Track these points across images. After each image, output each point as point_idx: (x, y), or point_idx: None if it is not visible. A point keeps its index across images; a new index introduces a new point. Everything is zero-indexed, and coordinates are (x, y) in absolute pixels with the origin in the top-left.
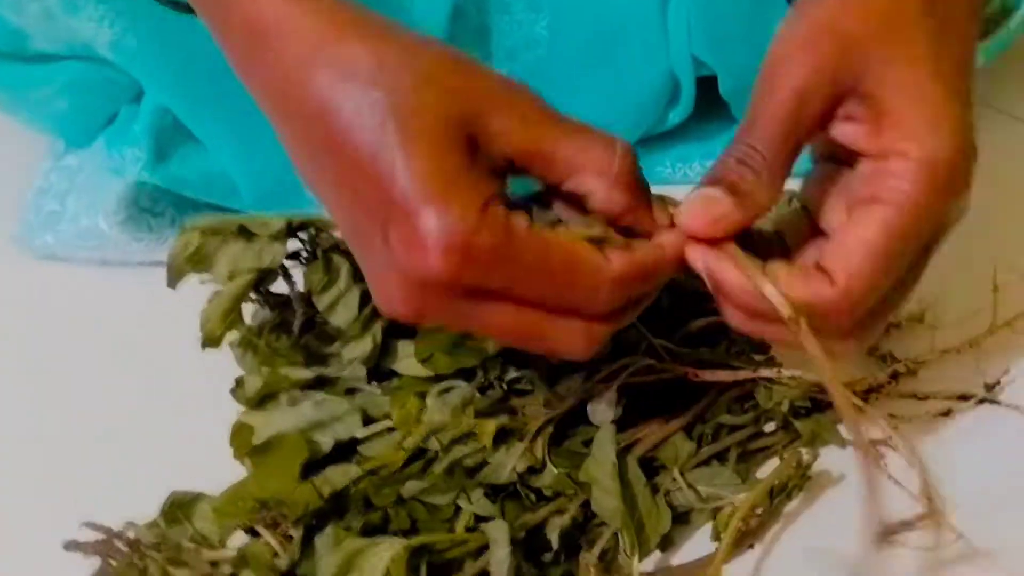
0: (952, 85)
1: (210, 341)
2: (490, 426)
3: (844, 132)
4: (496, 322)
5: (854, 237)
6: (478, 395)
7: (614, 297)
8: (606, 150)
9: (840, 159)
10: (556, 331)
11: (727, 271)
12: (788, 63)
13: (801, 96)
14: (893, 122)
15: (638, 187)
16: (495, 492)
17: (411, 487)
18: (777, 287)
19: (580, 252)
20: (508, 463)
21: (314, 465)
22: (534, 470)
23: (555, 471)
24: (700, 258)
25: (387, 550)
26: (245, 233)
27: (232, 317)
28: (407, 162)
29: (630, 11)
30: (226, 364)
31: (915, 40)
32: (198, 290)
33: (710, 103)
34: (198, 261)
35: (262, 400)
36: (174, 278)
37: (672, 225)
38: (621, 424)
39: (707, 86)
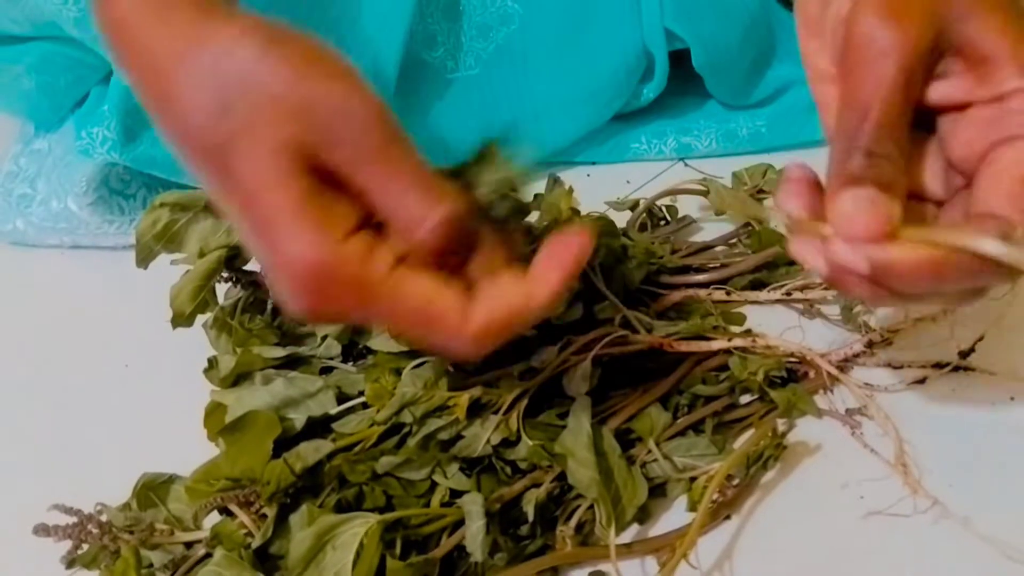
0: None
1: (180, 319)
2: (464, 398)
3: (942, 92)
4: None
5: (1011, 177)
6: (452, 369)
7: (471, 351)
8: (418, 196)
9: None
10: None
11: (920, 253)
12: (886, 40)
13: (908, 76)
14: (998, 65)
15: (444, 253)
16: (471, 466)
17: (385, 462)
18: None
19: (437, 312)
20: (483, 436)
21: (287, 443)
22: (509, 443)
23: (530, 443)
24: (877, 255)
25: (361, 525)
26: (213, 209)
27: (203, 295)
28: (254, 194)
29: None
30: (200, 345)
31: None
32: (171, 272)
33: (684, 79)
34: (167, 239)
35: (236, 380)
36: (143, 257)
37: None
38: (597, 396)
39: (681, 62)
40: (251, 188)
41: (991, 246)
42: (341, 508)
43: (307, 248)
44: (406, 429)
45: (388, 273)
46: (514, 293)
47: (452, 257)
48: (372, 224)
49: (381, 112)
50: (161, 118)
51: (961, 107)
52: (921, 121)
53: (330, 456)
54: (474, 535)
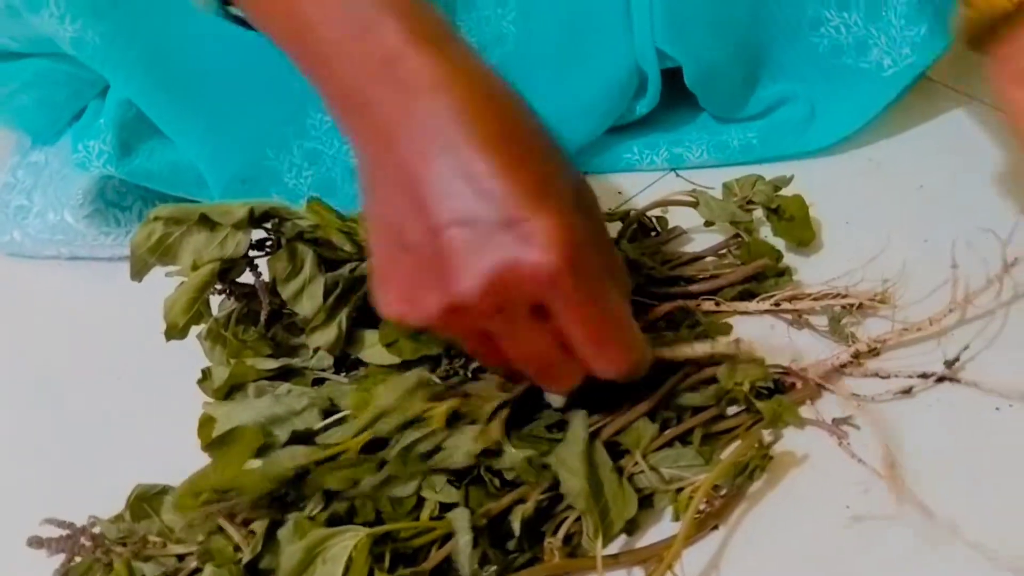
0: None
1: (173, 331)
2: (440, 409)
3: None
4: (522, 348)
5: None
6: (436, 380)
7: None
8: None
9: None
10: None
11: None
12: None
13: None
14: None
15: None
16: (459, 478)
17: (368, 482)
18: None
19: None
20: (461, 446)
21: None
22: (492, 453)
23: (515, 454)
24: None
25: (351, 539)
26: (207, 222)
27: (197, 308)
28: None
29: (595, 6)
30: (195, 356)
31: None
32: (166, 283)
33: (677, 93)
34: (161, 252)
35: (229, 391)
36: (138, 270)
37: None
38: (586, 409)
39: (674, 77)
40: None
41: None
42: (333, 522)
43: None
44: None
45: None
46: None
47: None
48: None
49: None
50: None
51: None
52: None
53: (309, 465)
54: (462, 548)
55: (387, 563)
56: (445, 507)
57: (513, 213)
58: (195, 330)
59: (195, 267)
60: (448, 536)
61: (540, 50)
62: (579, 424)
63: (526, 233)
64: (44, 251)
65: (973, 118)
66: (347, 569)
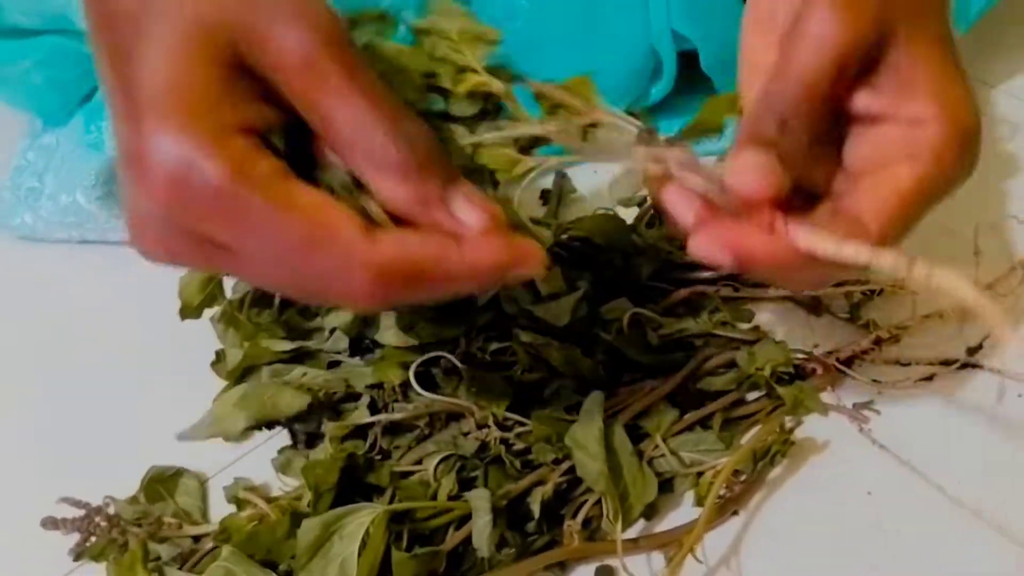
0: (958, 58)
1: (188, 310)
2: None
3: (862, 101)
4: (233, 270)
5: (889, 188)
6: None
7: (365, 286)
8: (385, 130)
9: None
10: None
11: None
12: (830, 28)
13: (841, 66)
14: (922, 96)
15: (425, 182)
16: (480, 460)
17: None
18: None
19: (333, 223)
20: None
21: None
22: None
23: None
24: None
25: (367, 516)
26: None
27: (211, 288)
28: (150, 66)
29: None
30: (208, 340)
31: (932, 18)
32: (176, 270)
33: (693, 78)
34: None
35: (243, 374)
36: None
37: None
38: (606, 392)
39: (690, 62)
40: (148, 62)
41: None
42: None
43: (188, 133)
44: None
45: (276, 174)
46: (441, 242)
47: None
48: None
49: (337, 25)
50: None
51: (876, 119)
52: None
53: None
54: (480, 530)
55: (404, 543)
56: (462, 488)
57: (123, 133)
58: (208, 313)
59: None
60: (466, 518)
61: (552, 27)
62: (594, 406)
63: (130, 160)
64: (55, 234)
65: (992, 106)
66: (363, 546)
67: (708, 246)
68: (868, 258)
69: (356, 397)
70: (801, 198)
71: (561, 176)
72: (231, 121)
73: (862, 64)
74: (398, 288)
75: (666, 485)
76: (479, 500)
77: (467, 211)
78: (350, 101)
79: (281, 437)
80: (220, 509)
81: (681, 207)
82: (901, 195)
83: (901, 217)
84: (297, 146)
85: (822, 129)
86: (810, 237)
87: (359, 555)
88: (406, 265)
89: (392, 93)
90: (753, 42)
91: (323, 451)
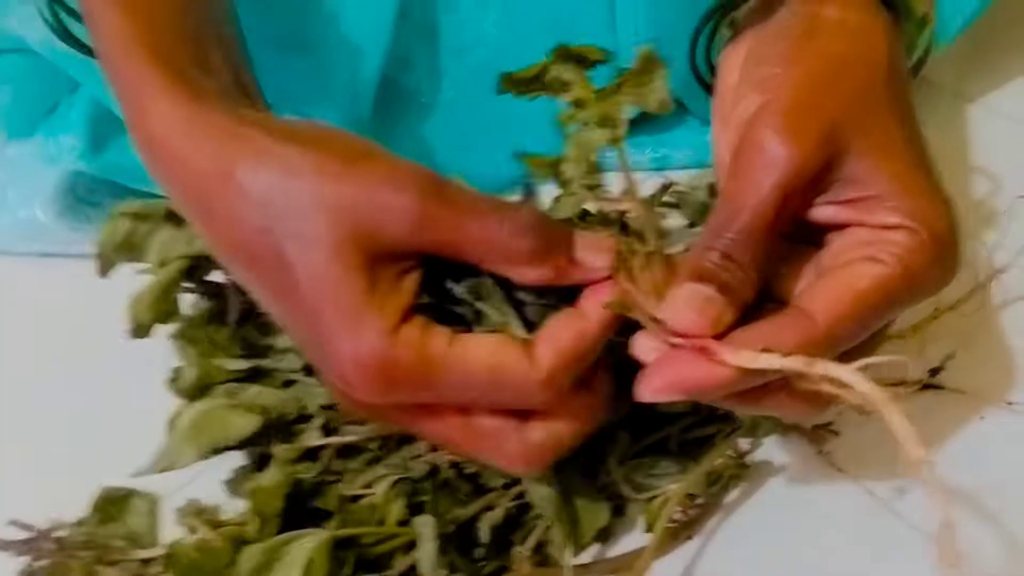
0: (927, 164)
1: (139, 330)
2: None
3: (824, 212)
4: (436, 433)
5: (844, 285)
6: None
7: (548, 395)
8: (505, 232)
9: (801, 237)
10: (493, 446)
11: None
12: (774, 155)
13: (787, 193)
14: (890, 207)
15: (550, 255)
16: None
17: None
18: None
19: (505, 366)
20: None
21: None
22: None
23: None
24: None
25: (311, 541)
26: (174, 218)
27: (164, 306)
28: (312, 296)
29: (579, 9)
30: (168, 356)
31: (888, 128)
32: (138, 280)
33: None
34: (128, 248)
35: (200, 392)
36: (104, 267)
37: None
38: None
39: None
40: (309, 294)
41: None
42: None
43: (373, 342)
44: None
45: (449, 343)
46: (572, 322)
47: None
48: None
49: (425, 175)
50: (207, 233)
51: (846, 225)
52: (810, 234)
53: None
54: (427, 556)
55: (350, 568)
56: (414, 512)
57: (316, 349)
58: (167, 329)
59: (162, 264)
60: (414, 543)
61: (522, 52)
62: None
63: (334, 370)
64: (16, 247)
65: (975, 122)
66: (307, 573)
67: (659, 387)
68: (802, 368)
69: (309, 418)
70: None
71: (528, 191)
72: (397, 312)
73: (813, 186)
74: (563, 378)
75: (619, 510)
76: (424, 527)
77: (592, 257)
78: (465, 228)
79: (236, 456)
80: (174, 530)
81: (644, 350)
82: (856, 294)
83: (852, 316)
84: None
85: (773, 253)
86: (739, 355)
87: None
88: (565, 361)
89: (485, 199)
90: (720, 137)
91: (270, 475)
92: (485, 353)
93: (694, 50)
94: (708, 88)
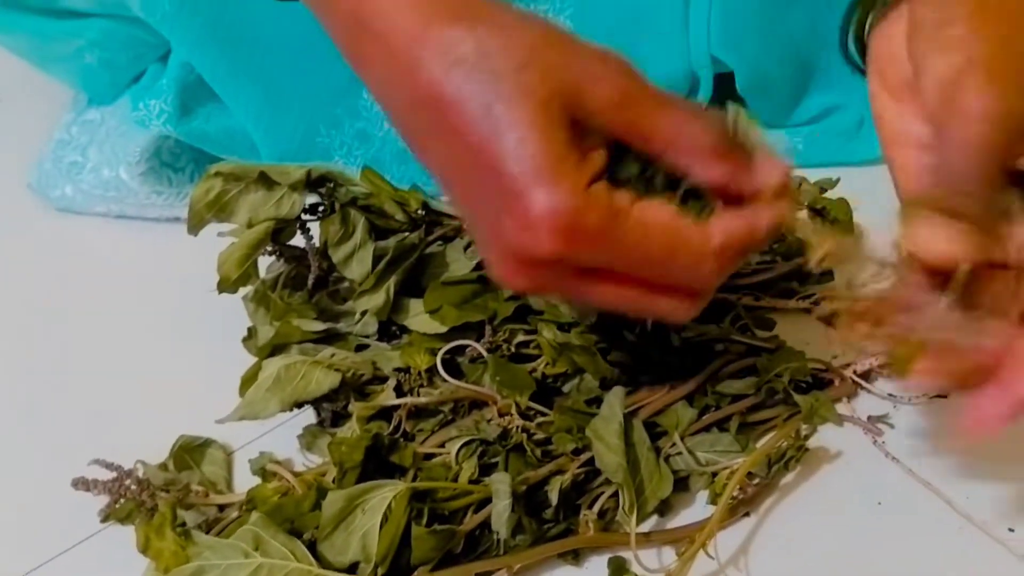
0: None
1: (226, 284)
2: None
3: None
4: (604, 295)
5: None
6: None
7: (715, 269)
8: (695, 126)
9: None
10: (659, 304)
11: None
12: (981, 108)
13: (1003, 144)
14: None
15: (732, 157)
16: (502, 447)
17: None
18: None
19: (682, 231)
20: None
21: None
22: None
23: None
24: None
25: (390, 491)
26: (266, 181)
27: (248, 265)
28: (515, 145)
29: (652, 7)
30: (238, 318)
31: None
32: (210, 245)
33: (727, 97)
34: (219, 208)
35: (273, 351)
36: (195, 224)
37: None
38: (628, 389)
39: (724, 80)
40: (508, 146)
41: None
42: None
43: (568, 193)
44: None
45: (632, 203)
46: (744, 216)
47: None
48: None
49: (630, 65)
50: (407, 89)
51: None
52: None
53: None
54: (500, 513)
55: (425, 520)
56: (483, 473)
57: (500, 206)
58: (240, 293)
59: (250, 225)
60: (484, 501)
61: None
62: (615, 400)
63: (519, 225)
64: (94, 208)
65: None
66: (385, 520)
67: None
68: None
69: (383, 380)
70: None
71: None
72: (588, 174)
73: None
74: (732, 260)
75: (681, 483)
76: (500, 484)
77: (770, 169)
78: (662, 114)
79: (305, 416)
80: (243, 481)
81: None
82: None
83: None
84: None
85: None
86: None
87: (380, 528)
88: (735, 244)
89: (675, 96)
90: (888, 109)
91: (349, 430)
92: (666, 216)
93: (846, 34)
94: (861, 71)
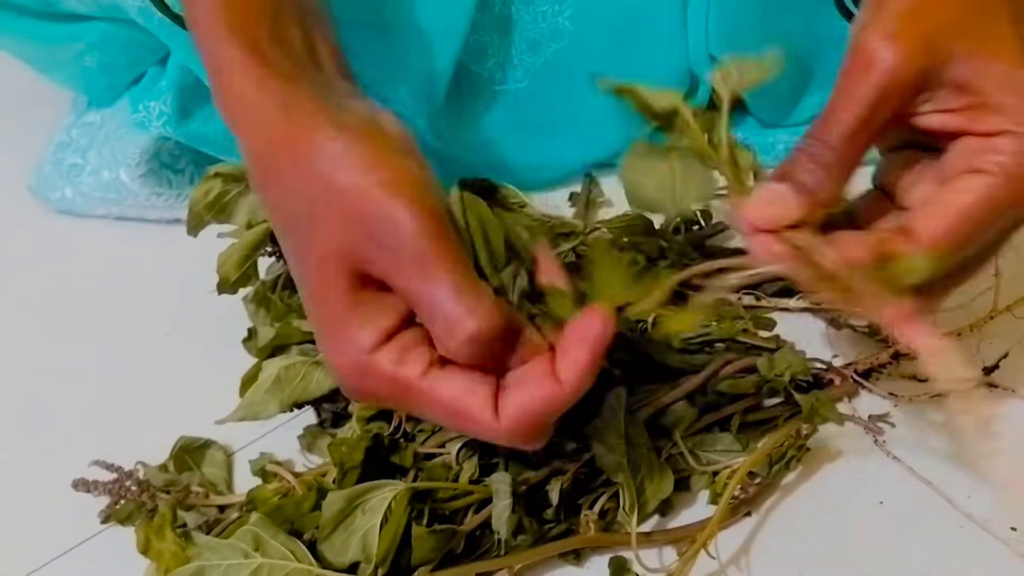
0: None
1: (225, 285)
2: None
3: (933, 120)
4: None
5: (951, 200)
6: None
7: (510, 441)
8: (459, 307)
9: (919, 145)
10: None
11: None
12: (871, 57)
13: (883, 93)
14: (995, 109)
15: (474, 358)
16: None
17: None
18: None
19: (469, 411)
20: None
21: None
22: None
23: None
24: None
25: (390, 491)
26: None
27: (248, 266)
28: (314, 293)
29: (651, 7)
30: (237, 319)
31: (999, 29)
32: (210, 247)
33: None
34: (218, 209)
35: (273, 352)
36: (194, 225)
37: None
38: (628, 388)
39: None
40: (309, 288)
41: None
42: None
43: (347, 353)
44: None
45: (420, 376)
46: (544, 385)
47: (488, 360)
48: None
49: (430, 223)
50: (265, 195)
51: (957, 134)
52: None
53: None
54: (500, 512)
55: (425, 520)
56: (483, 473)
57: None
58: (240, 294)
59: (249, 226)
60: (485, 502)
61: (594, 48)
62: (616, 401)
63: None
64: (94, 210)
65: None
66: (385, 520)
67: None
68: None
69: None
70: None
71: (590, 180)
72: (375, 333)
73: (913, 91)
74: (527, 434)
75: (682, 483)
76: (500, 484)
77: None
78: (429, 288)
79: (305, 416)
80: (243, 482)
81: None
82: (960, 209)
83: (962, 231)
84: None
85: (858, 162)
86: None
87: (380, 528)
88: (529, 420)
89: (468, 272)
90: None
91: (349, 430)
92: (452, 395)
93: None
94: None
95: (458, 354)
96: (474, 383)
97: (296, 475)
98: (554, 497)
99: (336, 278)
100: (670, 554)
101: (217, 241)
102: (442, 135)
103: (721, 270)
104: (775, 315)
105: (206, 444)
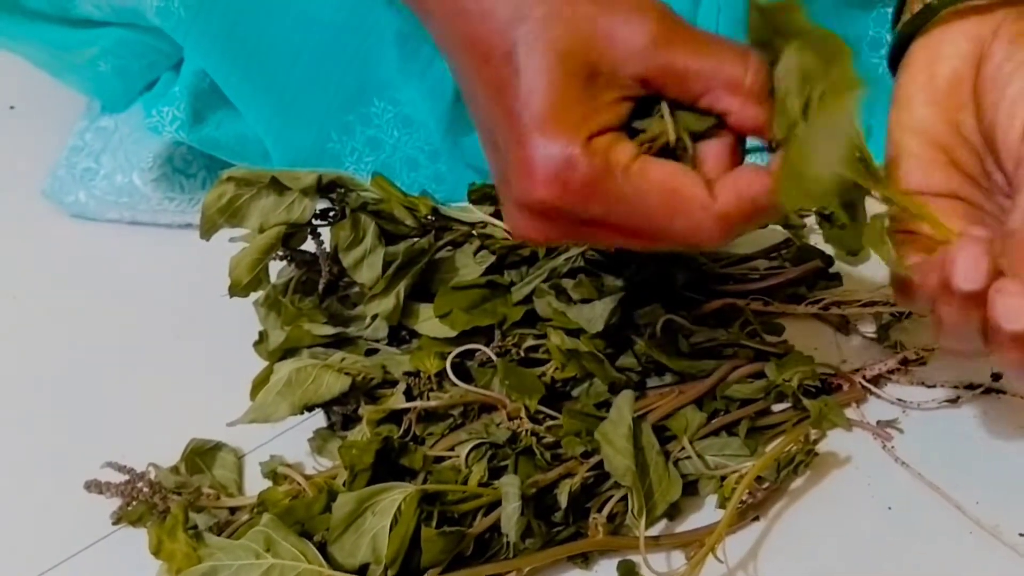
0: None
1: (237, 288)
2: None
3: None
4: (604, 241)
5: None
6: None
7: (718, 234)
8: (738, 65)
9: None
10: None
11: None
12: None
13: None
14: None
15: (767, 95)
16: (511, 450)
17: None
18: None
19: (682, 191)
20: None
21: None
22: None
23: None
24: None
25: (400, 493)
26: (277, 186)
27: (260, 269)
28: (526, 93)
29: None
30: (248, 323)
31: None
32: (221, 251)
33: None
34: (231, 213)
35: (283, 356)
36: (207, 229)
37: None
38: (637, 392)
39: None
40: (522, 94)
41: None
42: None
43: (563, 145)
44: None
45: (633, 158)
46: (762, 176)
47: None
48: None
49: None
50: (452, 26)
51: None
52: None
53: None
54: (509, 515)
55: (434, 522)
56: (492, 476)
57: (507, 150)
58: (251, 298)
59: (261, 230)
60: (494, 504)
61: None
62: (625, 404)
63: (518, 170)
64: (107, 214)
65: None
66: (395, 522)
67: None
68: None
69: (393, 384)
70: None
71: None
72: (594, 126)
73: None
74: (740, 226)
75: (690, 487)
76: (509, 487)
77: None
78: (699, 54)
79: (315, 419)
80: (254, 484)
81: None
82: None
83: None
84: None
85: None
86: None
87: (390, 530)
88: (745, 206)
89: (720, 39)
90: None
91: (359, 433)
92: (667, 174)
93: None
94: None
95: (754, 88)
96: (686, 168)
97: (307, 477)
98: (563, 500)
99: (577, 71)
100: (678, 558)
101: (229, 245)
102: (452, 137)
103: None
104: (784, 320)
105: (217, 446)
